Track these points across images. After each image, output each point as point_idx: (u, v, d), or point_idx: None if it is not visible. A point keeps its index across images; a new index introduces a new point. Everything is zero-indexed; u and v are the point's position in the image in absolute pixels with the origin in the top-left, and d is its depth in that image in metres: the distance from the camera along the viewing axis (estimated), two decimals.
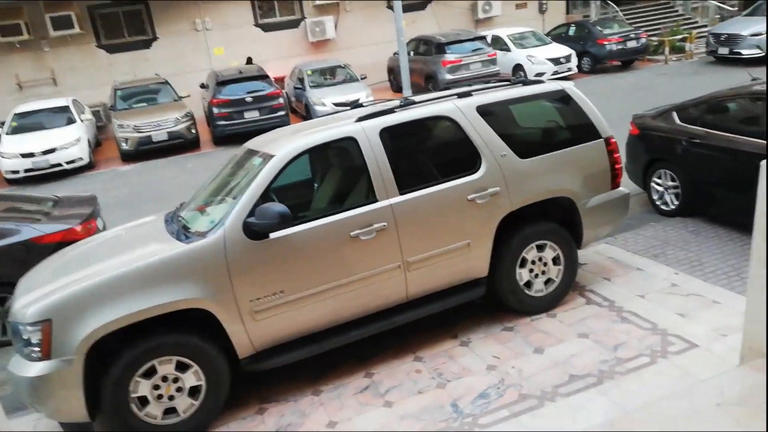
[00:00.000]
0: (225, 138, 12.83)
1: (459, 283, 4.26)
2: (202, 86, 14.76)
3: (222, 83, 13.05)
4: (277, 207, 3.50)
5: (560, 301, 4.56)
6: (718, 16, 19.48)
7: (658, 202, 6.30)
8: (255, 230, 3.55)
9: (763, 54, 14.15)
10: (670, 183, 6.13)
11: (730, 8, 19.75)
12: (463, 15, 19.51)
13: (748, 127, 5.46)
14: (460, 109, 4.27)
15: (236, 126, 12.72)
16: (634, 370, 3.64)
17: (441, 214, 4.07)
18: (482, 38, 15.70)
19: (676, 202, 6.09)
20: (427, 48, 15.71)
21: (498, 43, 16.45)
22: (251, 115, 12.80)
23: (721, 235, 5.51)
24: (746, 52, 14.47)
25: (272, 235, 3.60)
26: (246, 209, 3.59)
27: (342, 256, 3.81)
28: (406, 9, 15.40)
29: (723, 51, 15.09)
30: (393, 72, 16.83)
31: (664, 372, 3.57)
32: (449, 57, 14.92)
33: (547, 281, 4.50)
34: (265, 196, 3.74)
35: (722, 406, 3.02)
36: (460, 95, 4.46)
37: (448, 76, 14.71)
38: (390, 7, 13.95)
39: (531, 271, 4.42)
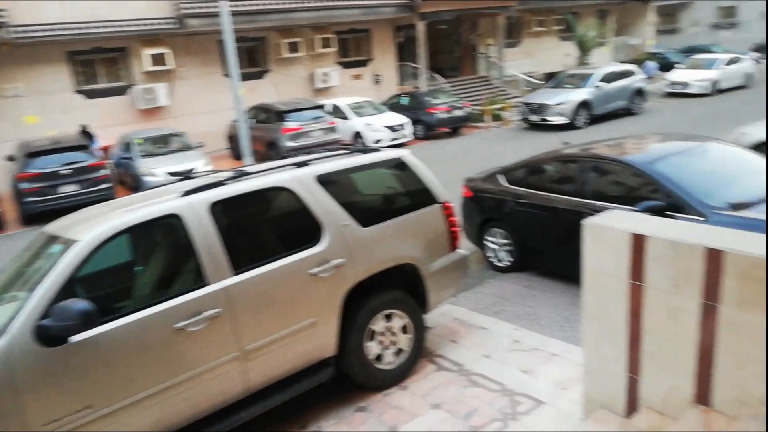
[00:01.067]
0: (36, 216, 11.25)
1: (306, 365, 3.93)
2: (10, 159, 12.98)
3: (32, 155, 11.57)
4: (79, 304, 2.92)
5: (411, 370, 4.42)
6: (528, 88, 22.18)
7: (493, 260, 6.61)
8: (50, 335, 2.92)
9: (568, 121, 16.24)
10: (503, 241, 6.48)
11: (537, 81, 22.63)
12: (301, 84, 19.89)
13: (563, 186, 6.00)
14: (298, 179, 4.08)
15: (50, 202, 11.27)
16: None
17: (282, 293, 3.77)
18: (321, 107, 16.03)
19: (510, 259, 6.43)
20: (268, 116, 15.61)
21: (338, 111, 16.93)
22: (68, 189, 11.45)
23: (553, 288, 5.87)
24: (553, 119, 16.52)
25: (73, 339, 3.00)
26: (37, 310, 2.96)
27: (165, 353, 3.29)
28: (245, 77, 15.23)
29: (534, 118, 17.07)
30: (233, 139, 16.38)
31: None
32: (290, 124, 14.94)
33: (398, 351, 4.35)
34: (68, 291, 3.13)
35: None
36: (298, 165, 4.29)
37: (290, 144, 14.67)
38: (227, 75, 13.71)
39: (381, 343, 4.25)
